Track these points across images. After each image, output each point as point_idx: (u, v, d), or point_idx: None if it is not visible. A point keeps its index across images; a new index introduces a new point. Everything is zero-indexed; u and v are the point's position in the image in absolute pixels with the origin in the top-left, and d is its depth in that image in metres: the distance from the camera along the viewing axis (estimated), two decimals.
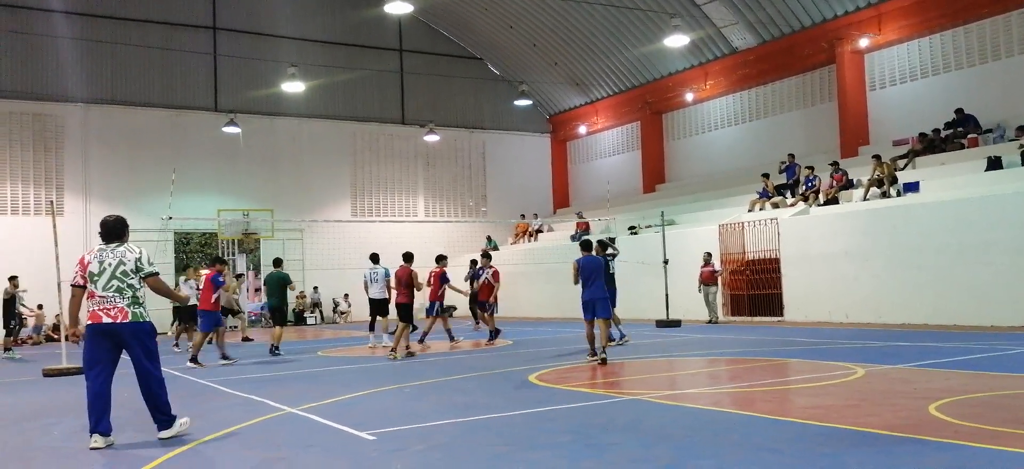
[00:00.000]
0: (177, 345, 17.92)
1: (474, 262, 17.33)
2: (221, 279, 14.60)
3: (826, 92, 25.16)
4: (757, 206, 22.17)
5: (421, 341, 16.55)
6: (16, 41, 26.64)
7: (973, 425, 6.33)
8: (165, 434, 7.03)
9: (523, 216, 33.24)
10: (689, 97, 29.14)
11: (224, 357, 14.54)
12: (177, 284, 18.76)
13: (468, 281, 19.07)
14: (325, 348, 17.53)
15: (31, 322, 23.11)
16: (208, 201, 27.81)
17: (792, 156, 23.43)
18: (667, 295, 20.78)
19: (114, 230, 7.17)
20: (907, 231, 17.34)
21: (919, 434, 6.07)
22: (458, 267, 23.29)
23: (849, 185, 20.62)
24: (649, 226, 24.62)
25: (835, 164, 21.50)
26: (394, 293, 15.15)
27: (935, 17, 21.87)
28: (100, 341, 6.88)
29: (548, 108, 35.62)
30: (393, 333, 16.65)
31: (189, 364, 13.96)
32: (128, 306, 6.87)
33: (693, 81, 28.89)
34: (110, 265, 6.93)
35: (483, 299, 16.64)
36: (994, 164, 17.81)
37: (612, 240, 13.37)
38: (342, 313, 30.09)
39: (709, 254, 20.93)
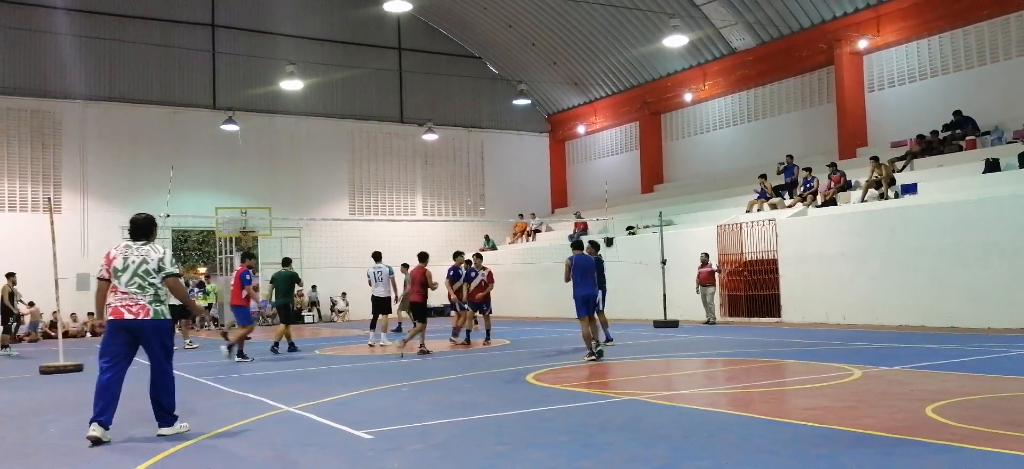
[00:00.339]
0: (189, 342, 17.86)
1: (458, 256, 17.13)
2: (248, 277, 14.58)
3: (824, 93, 25.17)
4: (755, 207, 22.19)
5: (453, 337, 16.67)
6: (14, 37, 26.62)
7: (970, 427, 6.34)
8: (165, 431, 7.07)
9: (521, 216, 33.25)
10: (688, 97, 29.15)
11: (228, 349, 14.54)
12: None
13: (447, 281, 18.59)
14: (323, 347, 17.52)
15: (27, 319, 23.10)
16: (206, 199, 27.80)
17: (790, 157, 23.44)
18: (665, 295, 20.79)
19: (142, 229, 7.31)
20: (905, 233, 17.36)
21: (916, 436, 6.08)
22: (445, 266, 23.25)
23: (847, 186, 20.63)
24: (647, 226, 24.63)
25: (833, 165, 21.52)
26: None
27: (933, 19, 21.90)
28: (119, 336, 7.00)
29: (547, 108, 35.62)
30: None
31: (237, 359, 14.14)
32: (149, 303, 7.02)
33: (692, 81, 28.90)
34: (134, 262, 7.06)
35: (477, 300, 16.48)
36: (992, 166, 17.83)
37: (582, 244, 13.81)
38: (340, 312, 30.07)
39: (706, 255, 20.94)
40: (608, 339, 15.13)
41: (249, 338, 15.09)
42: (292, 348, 15.47)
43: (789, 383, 9.75)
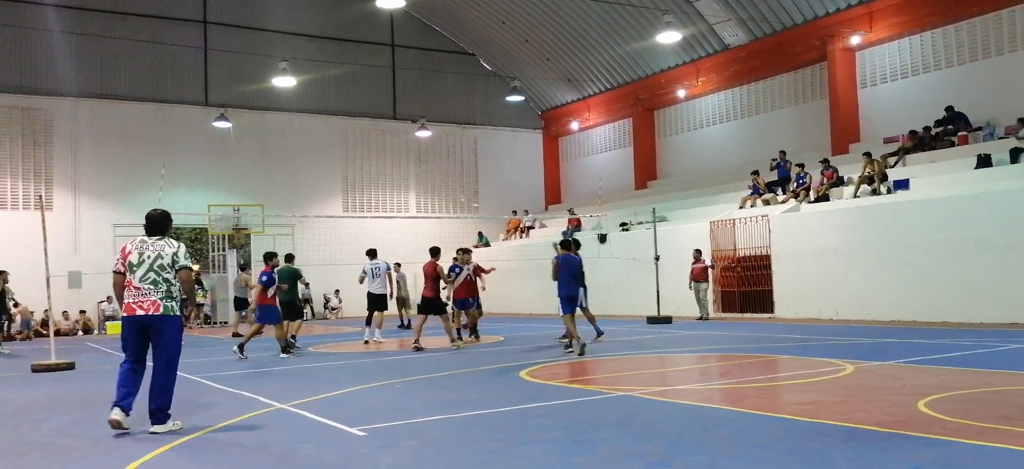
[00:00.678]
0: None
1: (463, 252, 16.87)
2: (264, 277, 14.46)
3: (817, 89, 25.22)
4: (748, 203, 22.23)
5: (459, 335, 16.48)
6: (4, 34, 26.48)
7: (961, 421, 6.36)
8: (157, 429, 7.05)
9: (515, 212, 33.25)
10: (681, 94, 29.17)
11: (242, 348, 14.46)
12: None
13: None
14: (316, 344, 17.48)
15: (18, 318, 23.01)
16: (198, 196, 27.72)
17: (783, 153, 23.49)
18: (658, 291, 20.82)
19: (158, 224, 7.42)
20: (897, 228, 17.41)
21: (908, 430, 6.10)
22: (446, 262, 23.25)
23: (839, 182, 20.69)
24: (641, 223, 24.66)
25: (826, 161, 21.57)
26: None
27: (926, 15, 21.95)
28: (133, 332, 7.17)
29: (540, 104, 35.61)
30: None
31: (282, 355, 14.25)
32: (161, 299, 7.11)
33: (685, 78, 28.92)
34: (149, 257, 7.18)
35: (462, 297, 16.23)
36: (984, 162, 17.91)
37: (570, 244, 14.02)
38: (333, 309, 30.03)
39: (699, 251, 20.97)
40: (599, 333, 15.15)
41: (260, 335, 14.97)
42: (285, 349, 14.72)
43: (782, 378, 9.78)
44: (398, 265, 21.78)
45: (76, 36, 27.20)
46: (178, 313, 7.24)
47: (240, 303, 21.72)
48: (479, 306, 16.86)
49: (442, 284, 15.33)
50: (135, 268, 7.13)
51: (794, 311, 19.44)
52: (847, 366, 10.05)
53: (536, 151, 36.17)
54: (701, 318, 20.61)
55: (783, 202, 21.41)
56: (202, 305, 27.17)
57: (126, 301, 7.14)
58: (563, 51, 31.62)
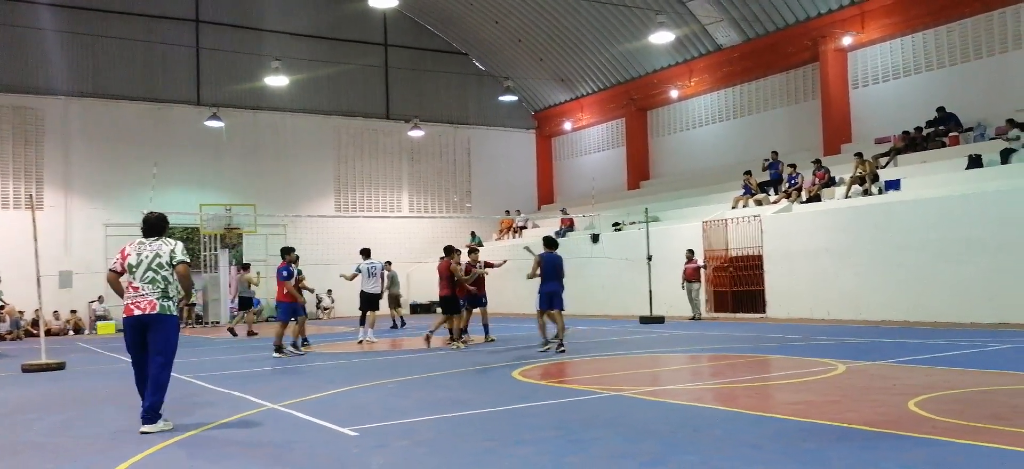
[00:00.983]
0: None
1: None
2: (284, 272, 14.44)
3: (809, 90, 25.30)
4: (740, 203, 22.29)
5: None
6: None
7: (951, 421, 6.40)
8: (147, 429, 7.06)
9: (507, 212, 33.24)
10: (674, 94, 29.22)
11: (295, 346, 14.55)
12: None
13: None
14: (308, 344, 17.41)
15: (8, 318, 22.91)
16: (190, 195, 27.61)
17: (775, 153, 23.55)
18: (651, 291, 20.85)
19: (155, 226, 7.59)
20: (888, 229, 17.48)
21: (898, 429, 6.13)
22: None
23: (831, 183, 20.76)
24: (633, 223, 24.69)
25: (818, 162, 21.64)
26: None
27: (917, 16, 22.04)
28: (133, 332, 7.31)
29: (533, 104, 35.62)
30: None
31: (293, 351, 14.44)
32: (157, 298, 7.25)
33: (678, 78, 28.97)
34: (147, 257, 7.34)
35: (476, 294, 16.06)
36: (975, 162, 17.99)
37: (556, 242, 14.22)
38: (325, 309, 29.97)
39: (692, 251, 21.01)
40: (560, 345, 14.91)
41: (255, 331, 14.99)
42: (278, 349, 14.45)
43: (774, 378, 9.81)
44: (388, 264, 21.75)
45: (68, 34, 27.08)
46: (174, 313, 7.35)
47: (245, 303, 21.82)
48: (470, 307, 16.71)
49: (471, 277, 15.32)
50: (134, 269, 7.29)
51: (786, 311, 19.49)
52: (838, 366, 10.08)
53: (529, 151, 36.17)
54: (694, 318, 20.65)
55: (775, 202, 21.47)
56: (194, 305, 27.08)
57: (125, 302, 7.32)
58: (556, 51, 31.64)
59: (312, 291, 20.15)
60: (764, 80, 26.69)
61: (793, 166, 21.91)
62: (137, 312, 7.22)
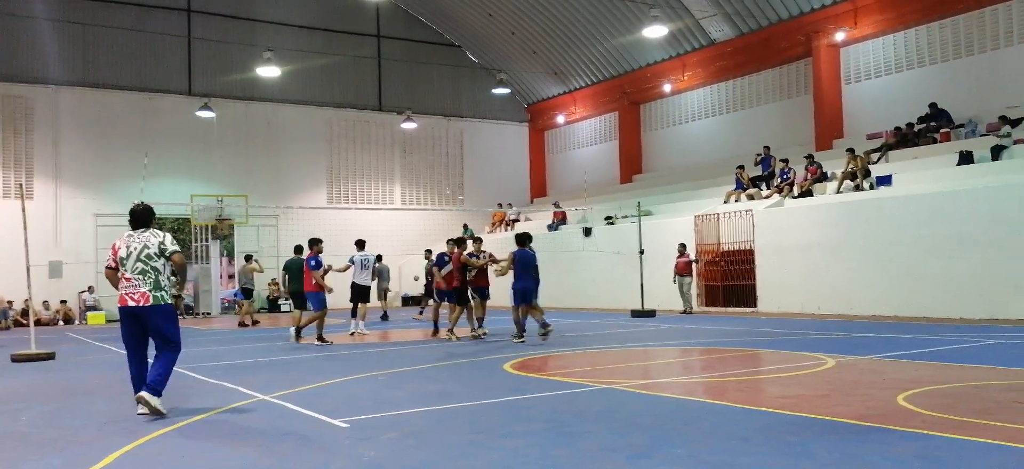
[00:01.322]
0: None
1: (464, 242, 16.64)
2: (313, 261, 14.45)
3: (802, 85, 25.34)
4: (732, 198, 22.32)
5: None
6: None
7: (940, 415, 6.42)
8: (146, 395, 7.28)
9: (500, 205, 33.21)
10: (667, 88, 29.23)
11: (321, 338, 14.47)
12: None
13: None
14: (301, 337, 17.36)
15: None
16: (181, 186, 27.52)
17: (767, 148, 23.59)
18: (642, 285, 20.88)
19: (141, 217, 7.74)
20: (879, 224, 17.54)
21: (887, 424, 6.15)
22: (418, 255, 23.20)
23: (823, 178, 20.81)
24: (626, 216, 24.71)
25: (810, 157, 21.68)
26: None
27: (910, 12, 22.09)
28: (128, 322, 7.51)
29: (526, 97, 35.58)
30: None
31: (295, 340, 14.59)
32: (150, 290, 7.42)
33: (671, 72, 28.97)
34: (135, 249, 7.49)
35: (481, 285, 15.99)
36: (966, 158, 18.05)
37: (530, 238, 14.55)
38: None
39: (684, 245, 21.03)
40: (545, 326, 14.90)
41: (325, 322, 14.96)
42: (297, 335, 14.98)
43: (764, 372, 9.83)
44: (379, 257, 21.70)
45: (58, 23, 26.92)
46: (168, 301, 7.52)
47: (247, 293, 21.94)
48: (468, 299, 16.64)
49: (486, 266, 15.31)
50: (125, 261, 7.46)
51: (777, 305, 19.55)
52: (828, 360, 10.11)
53: (522, 144, 36.15)
54: (685, 312, 20.68)
55: (767, 197, 21.50)
56: (180, 297, 27.00)
57: (120, 293, 7.49)
58: (549, 44, 31.60)
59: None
60: (757, 75, 26.72)
61: (785, 161, 21.96)
62: (131, 303, 7.40)
